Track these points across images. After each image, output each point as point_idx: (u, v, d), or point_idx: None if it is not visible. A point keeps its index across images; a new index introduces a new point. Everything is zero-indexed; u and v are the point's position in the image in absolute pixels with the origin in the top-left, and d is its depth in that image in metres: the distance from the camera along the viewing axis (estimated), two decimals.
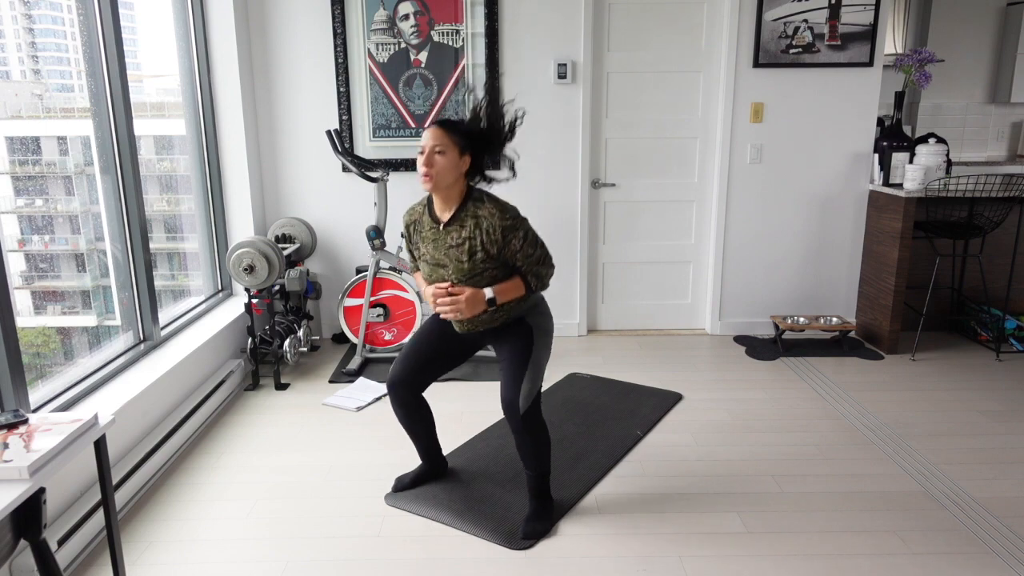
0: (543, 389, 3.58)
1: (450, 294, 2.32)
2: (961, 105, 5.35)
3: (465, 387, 3.71)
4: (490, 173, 2.41)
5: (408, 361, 2.51)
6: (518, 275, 2.34)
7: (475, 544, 2.39)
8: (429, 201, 2.40)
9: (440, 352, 2.52)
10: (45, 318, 2.96)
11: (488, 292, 2.30)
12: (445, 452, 3.00)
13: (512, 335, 2.41)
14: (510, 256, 2.29)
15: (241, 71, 3.99)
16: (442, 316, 2.34)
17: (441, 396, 3.59)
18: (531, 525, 2.44)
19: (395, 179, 4.30)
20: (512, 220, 2.26)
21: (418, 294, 3.98)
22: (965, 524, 2.47)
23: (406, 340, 4.02)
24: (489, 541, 2.40)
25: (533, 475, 2.48)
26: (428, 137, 2.24)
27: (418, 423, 2.60)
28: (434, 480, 2.76)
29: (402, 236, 2.46)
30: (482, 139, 2.31)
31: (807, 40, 4.14)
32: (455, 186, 2.29)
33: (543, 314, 2.46)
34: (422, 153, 2.24)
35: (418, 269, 2.52)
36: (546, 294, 4.47)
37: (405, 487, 2.70)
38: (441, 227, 2.33)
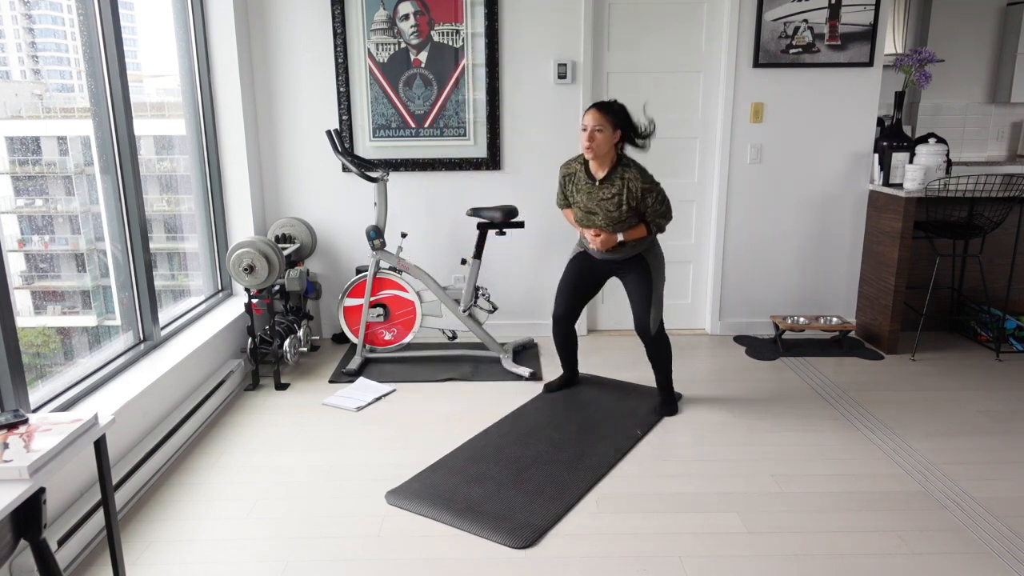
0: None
1: (596, 235, 3.17)
2: (961, 105, 5.35)
3: (465, 387, 3.71)
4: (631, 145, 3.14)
5: (565, 298, 3.39)
6: (643, 223, 3.14)
7: (475, 544, 2.39)
8: (584, 160, 3.14)
9: (585, 286, 3.38)
10: (45, 318, 2.96)
11: (619, 236, 3.14)
12: (444, 452, 3.01)
13: (634, 271, 3.23)
14: (644, 208, 3.07)
15: (241, 71, 3.99)
16: (591, 247, 3.22)
17: (441, 396, 3.60)
18: (663, 408, 3.38)
19: (395, 179, 4.31)
20: (649, 184, 3.04)
21: (419, 294, 3.98)
22: (965, 524, 2.47)
23: (408, 339, 4.02)
24: (490, 541, 2.40)
25: (660, 375, 3.37)
26: (589, 119, 2.99)
27: (570, 346, 3.55)
28: (572, 386, 3.67)
29: (560, 183, 3.28)
30: (625, 117, 3.04)
31: (807, 40, 4.14)
32: (608, 154, 3.06)
33: (657, 254, 3.26)
34: (584, 130, 3.00)
35: (567, 206, 3.34)
36: (548, 289, 4.47)
37: (554, 389, 3.61)
38: (596, 183, 3.10)
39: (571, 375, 3.66)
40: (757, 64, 4.16)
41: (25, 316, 2.85)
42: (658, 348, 3.30)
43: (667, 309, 4.58)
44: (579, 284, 3.36)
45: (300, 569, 2.26)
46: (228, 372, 3.56)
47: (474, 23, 4.10)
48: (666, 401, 3.39)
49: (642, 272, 3.20)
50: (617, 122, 3.01)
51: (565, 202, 3.33)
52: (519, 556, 2.32)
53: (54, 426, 1.77)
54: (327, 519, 2.53)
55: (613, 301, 4.57)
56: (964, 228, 3.98)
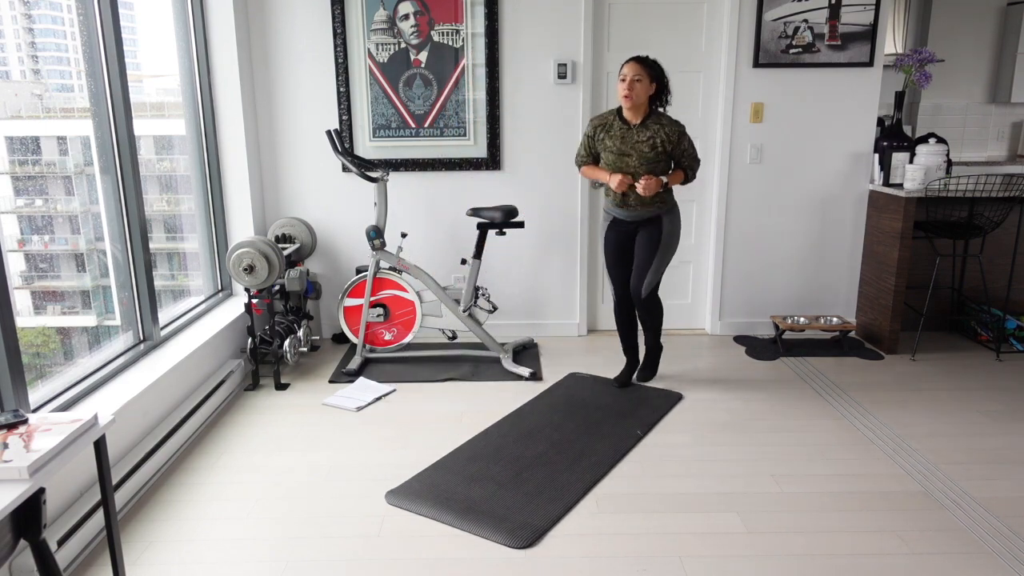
0: (546, 387, 3.59)
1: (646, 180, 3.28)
2: (961, 105, 5.34)
3: (465, 387, 3.71)
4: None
5: (620, 272, 3.56)
6: (679, 169, 3.37)
7: (475, 544, 2.39)
8: (619, 111, 3.34)
9: (626, 260, 3.54)
10: (45, 318, 2.96)
11: (663, 179, 3.31)
12: (443, 453, 3.01)
13: (648, 230, 3.41)
14: (679, 154, 3.31)
15: (241, 71, 3.99)
16: (638, 188, 3.28)
17: (441, 396, 3.60)
18: (644, 373, 3.72)
19: (395, 179, 4.30)
20: (682, 129, 3.30)
21: (419, 294, 3.98)
22: (965, 524, 2.47)
23: (408, 339, 4.02)
24: (490, 541, 2.40)
25: (649, 334, 3.64)
26: (629, 70, 3.20)
27: (632, 324, 3.69)
28: (615, 384, 3.68)
29: (588, 136, 3.43)
30: (662, 73, 3.27)
31: (807, 40, 4.14)
32: (643, 105, 3.28)
33: (675, 219, 3.44)
34: (623, 80, 3.21)
35: (587, 162, 3.48)
36: (548, 289, 4.47)
37: (625, 383, 3.67)
38: (632, 127, 3.30)
39: (633, 357, 3.74)
40: (757, 64, 4.16)
41: (25, 316, 2.85)
42: (647, 310, 3.54)
43: (667, 309, 4.58)
44: (625, 255, 3.53)
45: (300, 569, 2.26)
46: (228, 372, 3.56)
47: (474, 23, 4.10)
48: (648, 363, 3.70)
49: (654, 234, 3.40)
50: (654, 75, 3.22)
51: (587, 158, 3.46)
52: (519, 556, 2.32)
53: (54, 426, 1.77)
54: (327, 519, 2.53)
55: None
56: (964, 228, 3.98)
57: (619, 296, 3.60)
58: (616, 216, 3.45)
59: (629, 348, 3.73)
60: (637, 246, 3.44)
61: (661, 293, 4.09)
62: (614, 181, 3.29)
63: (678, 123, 3.29)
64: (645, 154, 3.27)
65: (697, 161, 3.37)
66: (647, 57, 3.25)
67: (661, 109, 3.34)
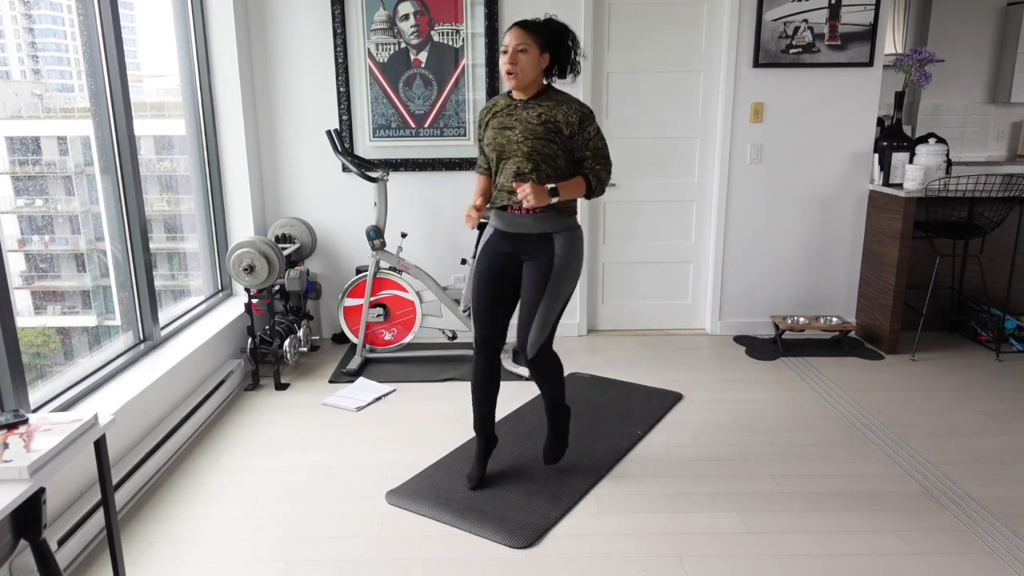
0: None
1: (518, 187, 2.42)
2: (961, 105, 5.34)
3: (465, 387, 3.71)
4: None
5: (485, 316, 2.62)
6: (581, 175, 2.47)
7: (475, 544, 2.39)
8: (509, 92, 2.55)
9: (502, 295, 2.61)
10: (45, 318, 2.96)
11: (550, 185, 2.41)
12: (443, 453, 3.01)
13: (538, 258, 2.52)
14: (581, 144, 2.46)
15: (241, 71, 3.99)
16: (520, 199, 2.40)
17: (441, 396, 3.60)
18: (551, 452, 2.79)
19: (395, 179, 4.30)
20: (589, 111, 2.46)
21: (419, 294, 3.98)
22: (965, 524, 2.47)
23: (408, 339, 4.02)
24: (490, 541, 2.40)
25: (547, 400, 2.71)
26: (511, 37, 2.41)
27: (491, 383, 2.68)
28: (487, 454, 2.79)
29: (477, 131, 2.65)
30: (558, 37, 2.47)
31: (807, 40, 4.14)
32: (536, 83, 2.48)
33: (574, 242, 2.53)
34: (505, 52, 2.42)
35: (484, 173, 2.64)
36: None
37: (482, 480, 2.72)
38: (519, 105, 2.49)
39: (487, 434, 2.75)
40: (757, 64, 4.16)
41: (25, 316, 2.85)
42: (540, 373, 2.61)
43: (667, 309, 4.59)
44: (494, 296, 2.60)
45: (300, 569, 2.26)
46: (228, 372, 3.56)
47: (474, 23, 4.10)
48: (553, 439, 2.76)
49: (543, 263, 2.50)
50: (544, 43, 2.44)
51: (485, 166, 2.64)
52: (519, 556, 2.32)
53: (54, 426, 1.77)
54: (327, 519, 2.53)
55: (613, 301, 4.58)
56: (964, 228, 3.98)
57: (480, 340, 2.62)
58: (497, 227, 2.59)
59: (482, 420, 2.71)
60: (526, 276, 2.55)
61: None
62: (522, 194, 2.35)
63: (583, 104, 2.46)
64: (532, 126, 2.44)
65: (607, 162, 2.49)
66: (537, 20, 2.47)
67: (573, 78, 2.58)
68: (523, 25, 2.42)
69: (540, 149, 2.43)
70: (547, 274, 2.49)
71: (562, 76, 2.54)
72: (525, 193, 2.34)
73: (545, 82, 2.53)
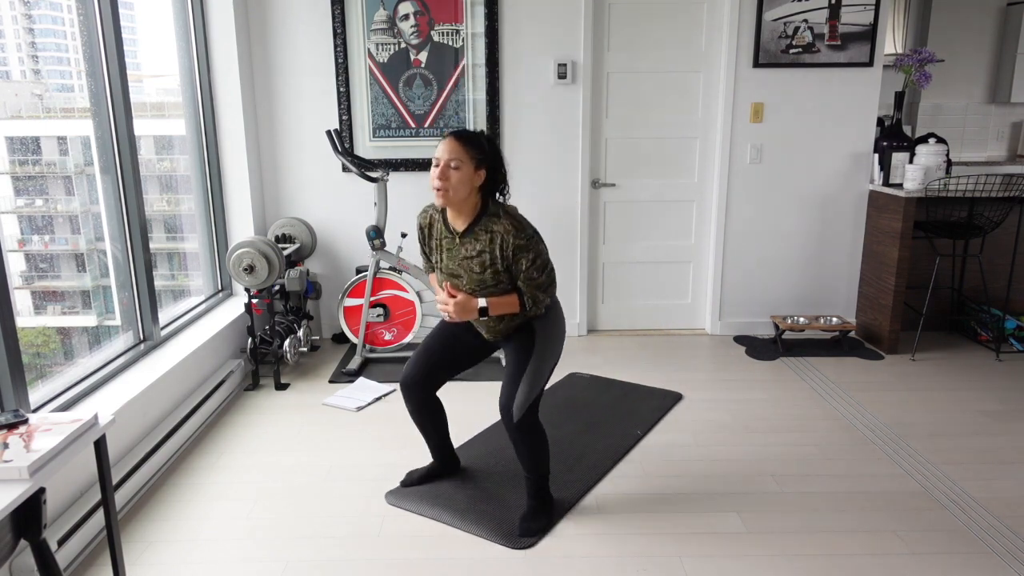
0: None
1: (451, 295, 2.37)
2: (961, 105, 5.34)
3: (465, 387, 3.70)
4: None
5: (419, 362, 2.53)
6: (516, 293, 2.34)
7: (475, 544, 2.39)
8: (444, 209, 2.37)
9: (451, 354, 2.54)
10: (45, 318, 2.96)
11: (481, 302, 2.32)
12: None
13: (517, 339, 2.42)
14: (516, 274, 2.29)
15: (241, 71, 3.99)
16: (446, 312, 2.37)
17: (442, 396, 3.59)
18: (526, 524, 2.45)
19: (395, 179, 4.30)
20: (526, 240, 2.25)
21: (419, 294, 3.98)
22: (965, 524, 2.47)
23: (408, 340, 4.02)
24: (490, 541, 2.40)
25: (531, 478, 2.50)
26: (443, 150, 2.22)
27: (429, 422, 2.62)
28: (444, 478, 2.76)
29: (419, 238, 2.51)
30: (496, 158, 2.31)
31: (807, 40, 4.14)
32: (469, 200, 2.27)
33: (552, 322, 2.43)
34: (436, 166, 2.22)
35: (432, 271, 2.56)
36: None
37: (414, 483, 2.72)
38: (457, 239, 2.34)
39: (442, 462, 2.74)
40: (757, 64, 4.16)
41: (25, 316, 2.85)
42: (522, 439, 2.41)
43: (667, 309, 4.59)
44: (442, 349, 2.54)
45: (300, 569, 2.26)
46: (228, 372, 3.56)
47: (474, 23, 4.10)
48: (534, 511, 2.48)
49: (526, 342, 2.39)
50: (482, 158, 2.25)
51: (430, 264, 2.54)
52: (519, 556, 2.32)
53: (54, 426, 1.77)
54: (327, 519, 2.53)
55: (613, 301, 4.58)
56: (964, 228, 3.98)
57: (405, 378, 2.52)
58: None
59: (435, 445, 2.70)
60: (507, 358, 2.46)
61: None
62: (446, 309, 2.36)
63: (523, 230, 2.24)
64: (476, 275, 2.30)
65: (545, 291, 2.32)
66: (472, 133, 2.28)
67: (504, 196, 2.38)
68: (458, 137, 2.24)
69: (490, 294, 2.33)
70: (530, 352, 2.38)
71: (494, 195, 2.35)
72: (448, 309, 2.33)
73: (480, 202, 2.31)
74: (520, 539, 2.40)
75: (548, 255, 2.34)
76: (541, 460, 2.46)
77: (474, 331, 2.55)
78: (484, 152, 2.26)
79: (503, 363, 2.51)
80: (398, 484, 2.73)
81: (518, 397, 2.36)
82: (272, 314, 3.85)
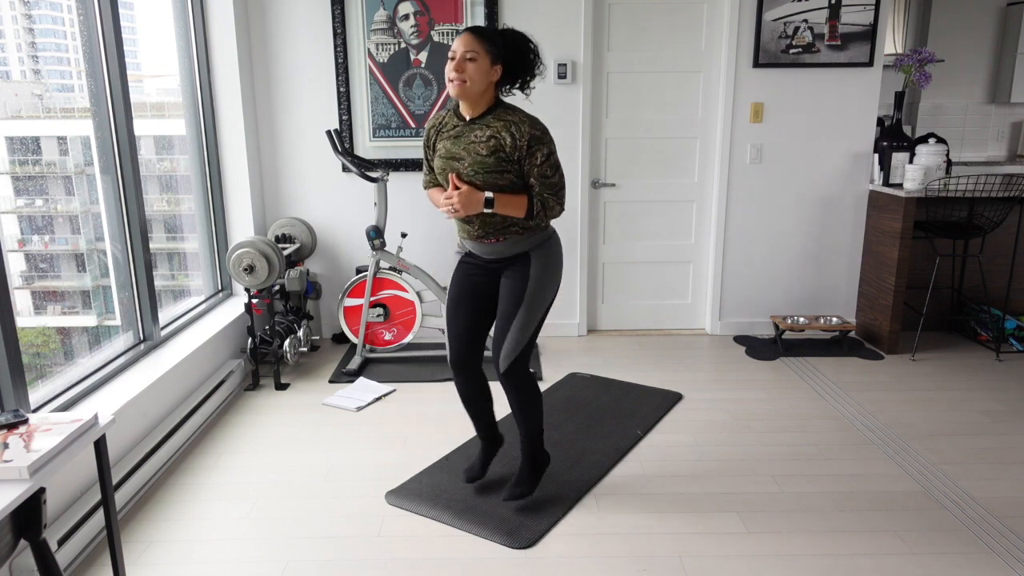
0: (546, 388, 3.59)
1: (455, 187, 2.27)
2: (961, 105, 5.35)
3: None
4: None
5: (457, 334, 2.47)
6: (526, 195, 2.30)
7: (475, 544, 2.39)
8: (456, 105, 2.36)
9: (480, 305, 2.47)
10: (45, 318, 2.96)
11: (488, 193, 2.26)
12: (444, 452, 3.00)
13: (512, 272, 2.38)
14: (528, 169, 2.26)
15: (241, 71, 3.99)
16: (442, 211, 2.32)
17: (441, 396, 3.60)
18: (512, 488, 2.51)
19: (395, 179, 4.30)
20: (541, 133, 2.25)
21: (419, 294, 3.98)
22: (965, 524, 2.47)
23: (408, 339, 4.02)
24: (489, 541, 2.40)
25: (522, 433, 2.51)
26: (459, 43, 2.22)
27: (480, 396, 2.56)
28: (495, 455, 2.71)
29: (424, 144, 2.46)
30: (515, 49, 2.29)
31: (807, 40, 4.14)
32: (484, 95, 2.27)
33: (551, 255, 2.38)
34: (452, 59, 2.22)
35: (433, 184, 2.48)
36: None
37: (477, 477, 2.65)
38: (466, 125, 2.31)
39: (493, 439, 2.69)
40: (757, 64, 4.16)
41: (25, 316, 2.85)
42: (513, 389, 2.41)
43: (667, 309, 4.59)
44: (473, 306, 2.46)
45: (300, 569, 2.26)
46: (228, 372, 3.56)
47: (474, 23, 4.10)
48: (523, 476, 2.55)
49: (517, 279, 2.36)
50: (497, 53, 2.24)
51: (432, 178, 2.48)
52: (519, 556, 2.32)
53: (54, 426, 1.77)
54: (327, 519, 2.53)
55: (613, 301, 4.58)
56: (964, 228, 3.98)
57: (455, 360, 2.49)
58: (469, 255, 2.49)
59: (482, 428, 2.64)
60: (502, 291, 2.41)
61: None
62: (450, 203, 2.28)
63: (537, 123, 2.26)
64: (481, 157, 2.26)
65: (556, 192, 2.30)
66: (487, 28, 2.29)
67: (529, 91, 2.40)
68: (475, 31, 2.23)
69: (492, 182, 2.26)
70: (524, 287, 2.35)
71: (520, 89, 2.38)
72: (452, 201, 2.25)
73: (495, 98, 2.32)
74: (504, 501, 2.49)
75: (558, 158, 2.31)
76: (531, 415, 2.45)
77: (479, 272, 2.46)
78: (499, 47, 2.25)
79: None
80: (464, 479, 2.67)
81: (505, 346, 2.35)
82: (272, 314, 3.85)
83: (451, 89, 2.24)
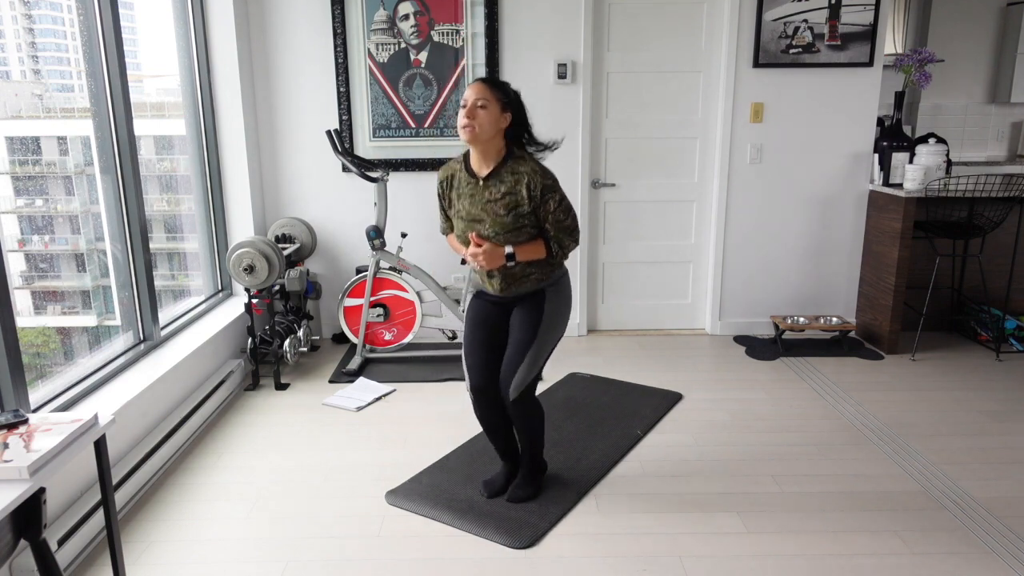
0: (546, 387, 3.59)
1: (477, 245, 2.39)
2: (961, 105, 5.34)
3: (465, 387, 3.71)
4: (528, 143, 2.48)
5: (477, 362, 2.53)
6: (542, 239, 2.41)
7: (475, 544, 2.39)
8: (466, 157, 2.45)
9: (495, 337, 2.55)
10: (45, 318, 2.96)
11: (508, 248, 2.37)
12: (444, 452, 3.00)
13: (525, 308, 2.47)
14: (543, 216, 2.36)
15: (241, 71, 3.99)
16: (469, 264, 2.44)
17: (441, 396, 3.60)
18: (516, 491, 2.62)
19: (395, 179, 4.30)
20: (552, 182, 2.35)
21: (419, 294, 3.98)
22: (965, 524, 2.47)
23: (408, 339, 4.02)
24: (490, 541, 2.40)
25: (524, 447, 2.62)
26: (471, 91, 2.32)
27: (501, 420, 2.61)
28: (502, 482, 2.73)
29: (438, 193, 2.55)
30: (520, 106, 2.41)
31: (807, 40, 4.14)
32: (494, 141, 2.36)
33: (562, 293, 2.50)
34: (464, 106, 2.31)
35: (450, 231, 2.59)
36: None
37: (498, 492, 2.66)
38: (480, 182, 2.39)
39: (514, 458, 2.73)
40: (757, 64, 4.16)
41: (25, 316, 2.85)
42: (520, 416, 2.52)
43: (667, 309, 4.59)
44: (489, 337, 2.55)
45: (300, 569, 2.26)
46: (228, 372, 3.56)
47: (474, 23, 4.10)
48: (525, 479, 2.66)
49: (532, 313, 2.46)
50: (508, 102, 2.35)
51: (448, 225, 2.59)
52: (519, 556, 2.32)
53: (54, 426, 1.77)
54: (327, 519, 2.53)
55: (613, 301, 4.58)
56: (964, 228, 3.98)
57: (476, 387, 2.53)
58: (483, 291, 2.60)
59: (505, 452, 2.70)
60: (513, 323, 2.50)
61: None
62: (474, 259, 2.39)
63: (547, 173, 2.35)
64: (500, 217, 2.35)
65: (571, 234, 2.41)
66: (498, 79, 2.45)
67: (535, 147, 2.48)
68: (485, 80, 2.35)
69: (512, 240, 2.37)
70: (538, 321, 2.45)
71: (526, 143, 2.45)
72: (477, 255, 2.35)
73: (506, 147, 2.40)
74: (507, 503, 2.58)
75: (569, 201, 2.42)
76: (536, 436, 2.60)
77: (495, 307, 2.56)
78: (509, 96, 2.36)
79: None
80: (484, 493, 2.67)
81: (516, 377, 2.44)
82: (272, 314, 3.85)
83: (463, 136, 2.32)
